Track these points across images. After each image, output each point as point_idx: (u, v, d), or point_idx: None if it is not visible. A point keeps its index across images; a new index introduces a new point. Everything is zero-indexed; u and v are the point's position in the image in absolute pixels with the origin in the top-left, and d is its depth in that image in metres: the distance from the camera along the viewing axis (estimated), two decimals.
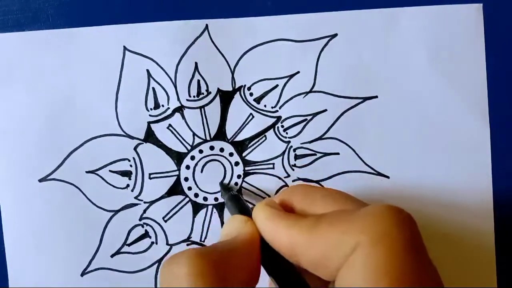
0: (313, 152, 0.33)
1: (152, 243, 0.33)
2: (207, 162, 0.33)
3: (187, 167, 0.33)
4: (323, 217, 0.21)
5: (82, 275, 0.32)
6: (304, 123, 0.32)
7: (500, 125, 0.32)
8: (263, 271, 0.22)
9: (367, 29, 0.32)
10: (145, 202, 0.33)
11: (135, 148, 0.32)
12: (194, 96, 0.32)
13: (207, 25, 0.32)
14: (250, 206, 0.32)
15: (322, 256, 0.20)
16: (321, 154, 0.33)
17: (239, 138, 0.33)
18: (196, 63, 0.32)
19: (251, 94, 0.32)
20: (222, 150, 0.33)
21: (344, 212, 0.21)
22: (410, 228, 0.19)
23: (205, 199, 0.33)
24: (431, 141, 0.32)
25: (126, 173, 0.32)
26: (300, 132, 0.33)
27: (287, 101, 0.32)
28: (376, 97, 0.32)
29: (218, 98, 0.32)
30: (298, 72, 0.32)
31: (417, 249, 0.19)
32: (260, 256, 0.22)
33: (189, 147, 0.33)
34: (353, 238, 0.19)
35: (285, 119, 0.33)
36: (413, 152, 0.33)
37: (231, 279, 0.19)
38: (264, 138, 0.33)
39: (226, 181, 0.33)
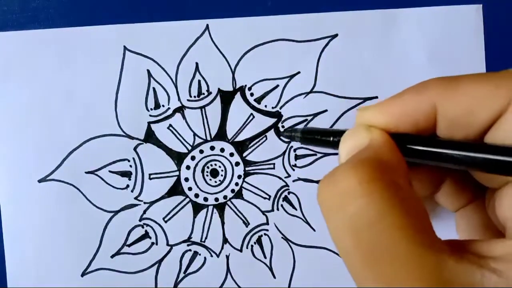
0: (314, 152, 0.33)
1: (152, 243, 0.33)
2: (207, 162, 0.33)
3: (188, 167, 0.33)
4: (462, 76, 0.20)
5: (82, 275, 0.32)
6: (305, 123, 0.33)
7: None
8: None
9: (367, 29, 0.32)
10: (145, 203, 0.32)
11: (135, 149, 0.32)
12: (194, 96, 0.32)
13: (207, 25, 0.32)
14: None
15: (468, 111, 0.19)
16: (322, 154, 0.33)
17: (240, 138, 0.33)
18: (196, 63, 0.32)
19: (251, 94, 0.32)
20: (222, 150, 0.33)
21: (485, 73, 0.20)
22: None
23: (205, 199, 0.33)
24: None
25: (126, 174, 0.32)
26: None
27: (287, 101, 0.32)
28: (376, 97, 0.32)
29: (218, 98, 0.32)
30: (298, 72, 0.32)
31: None
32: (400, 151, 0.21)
33: (189, 147, 0.33)
34: (506, 94, 0.18)
35: (286, 119, 0.33)
36: None
37: (398, 179, 0.18)
38: (264, 138, 0.33)
39: (226, 181, 0.33)
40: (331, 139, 0.26)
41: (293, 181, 0.33)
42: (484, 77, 0.19)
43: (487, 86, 0.19)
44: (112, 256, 0.32)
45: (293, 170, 0.33)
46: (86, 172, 0.32)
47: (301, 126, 0.32)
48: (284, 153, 0.33)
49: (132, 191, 0.32)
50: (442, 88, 0.20)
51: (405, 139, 0.21)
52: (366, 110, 0.22)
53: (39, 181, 0.32)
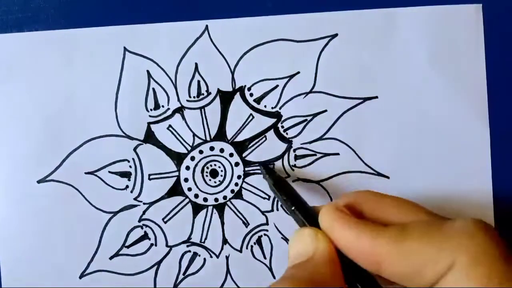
0: (313, 153, 0.33)
1: (152, 244, 0.32)
2: (207, 162, 0.33)
3: (187, 167, 0.32)
4: (410, 228, 0.20)
5: (80, 277, 0.32)
6: (304, 123, 0.32)
7: (500, 125, 0.32)
8: None
9: (367, 29, 0.32)
10: (144, 203, 0.32)
11: (134, 149, 0.32)
12: (194, 97, 0.32)
13: (207, 26, 0.32)
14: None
15: (414, 271, 0.19)
16: (321, 155, 0.33)
17: (239, 138, 0.33)
18: (196, 64, 0.32)
19: (251, 95, 0.32)
20: (222, 150, 0.33)
21: (432, 225, 0.20)
22: (502, 244, 0.19)
23: (205, 200, 0.33)
24: (431, 141, 0.32)
25: (125, 174, 0.32)
26: (300, 132, 0.33)
27: (287, 102, 0.32)
28: (376, 97, 0.32)
29: (218, 98, 0.32)
30: (298, 73, 0.32)
31: (510, 263, 0.19)
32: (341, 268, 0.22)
33: (189, 148, 0.32)
34: (450, 256, 0.19)
35: (286, 119, 0.32)
36: (413, 152, 0.32)
37: None
38: (264, 139, 0.33)
39: (226, 182, 0.33)
40: (293, 208, 0.27)
41: (293, 181, 0.33)
42: (429, 236, 0.20)
43: (431, 248, 0.19)
44: (111, 258, 0.32)
45: (293, 170, 0.33)
46: (86, 173, 0.32)
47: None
48: (283, 153, 0.33)
49: (131, 191, 0.32)
50: (391, 245, 0.20)
51: (352, 267, 0.22)
52: (328, 214, 0.23)
53: (39, 181, 0.32)
